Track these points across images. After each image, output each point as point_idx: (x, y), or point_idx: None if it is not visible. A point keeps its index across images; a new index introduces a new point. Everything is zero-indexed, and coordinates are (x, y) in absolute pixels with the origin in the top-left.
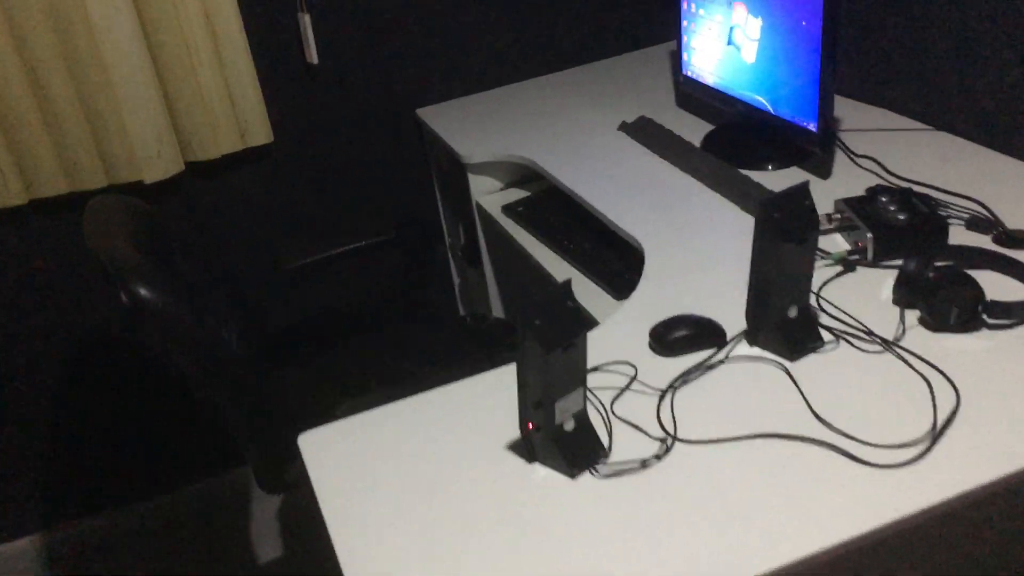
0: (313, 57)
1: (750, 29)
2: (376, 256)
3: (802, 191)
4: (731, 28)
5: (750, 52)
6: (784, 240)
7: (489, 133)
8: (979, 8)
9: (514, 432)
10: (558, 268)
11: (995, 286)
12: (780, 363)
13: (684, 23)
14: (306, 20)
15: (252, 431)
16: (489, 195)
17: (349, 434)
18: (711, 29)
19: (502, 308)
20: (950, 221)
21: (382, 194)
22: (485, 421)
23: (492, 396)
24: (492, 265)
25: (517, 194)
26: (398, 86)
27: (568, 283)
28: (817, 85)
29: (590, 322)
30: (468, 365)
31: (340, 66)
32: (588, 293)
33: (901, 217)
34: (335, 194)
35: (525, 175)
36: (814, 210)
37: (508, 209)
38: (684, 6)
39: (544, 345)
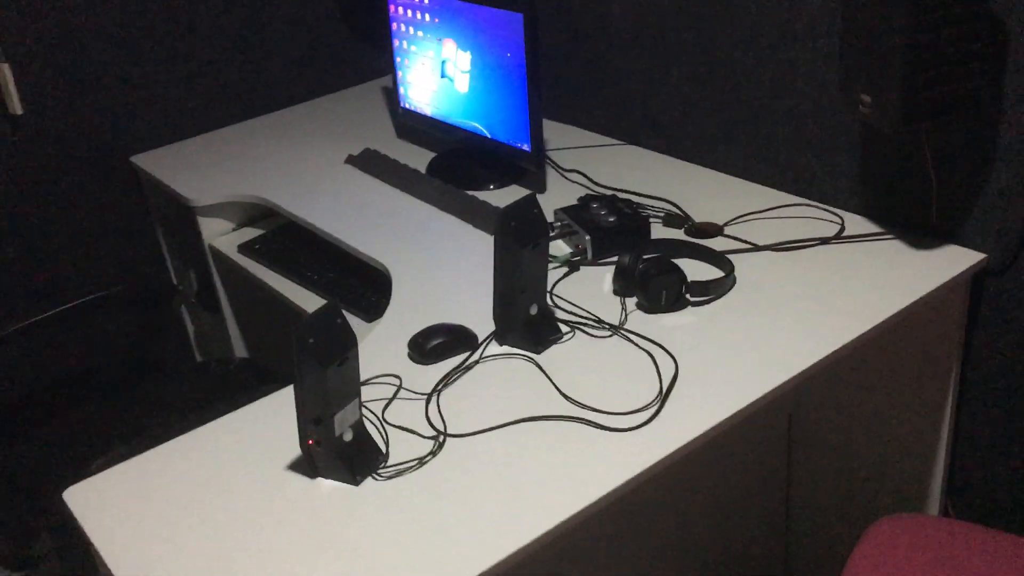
0: (16, 108)
1: (461, 62)
2: (102, 314)
3: (531, 202)
4: (443, 62)
5: (463, 83)
6: (522, 245)
7: (214, 174)
8: (654, 39)
9: (290, 454)
10: (305, 300)
11: (693, 270)
12: (528, 356)
13: (398, 59)
14: (5, 69)
15: None
16: (222, 236)
17: (117, 482)
18: (424, 64)
19: (245, 349)
20: (650, 220)
21: (102, 247)
22: (258, 449)
23: (259, 426)
24: (231, 307)
25: (251, 232)
26: (109, 133)
27: (336, 302)
28: (527, 110)
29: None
30: (220, 410)
31: (46, 116)
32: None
33: (611, 220)
34: (52, 252)
35: (256, 214)
36: (543, 216)
37: (245, 248)
38: (396, 43)
39: (320, 361)
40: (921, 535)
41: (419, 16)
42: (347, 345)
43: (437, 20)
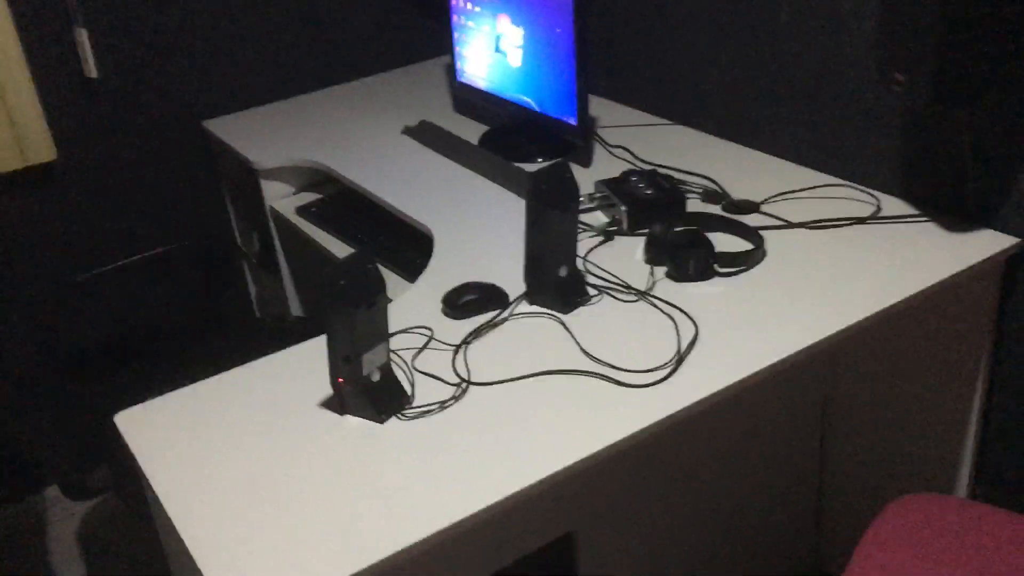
0: (92, 71)
1: (514, 37)
2: (170, 267)
3: (563, 166)
4: (497, 37)
5: (515, 58)
6: (551, 208)
7: (279, 141)
8: (704, 22)
9: (321, 394)
10: None
11: (726, 244)
12: (555, 316)
13: (456, 35)
14: (83, 34)
15: (55, 435)
16: (282, 199)
17: (165, 410)
18: (480, 39)
19: (301, 308)
20: (688, 195)
21: (171, 207)
22: (295, 387)
23: (298, 367)
24: (289, 267)
25: (310, 197)
26: (182, 98)
27: (368, 247)
28: (574, 85)
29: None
30: None
31: (122, 80)
32: (386, 279)
33: (649, 192)
34: (124, 208)
35: (316, 180)
36: (574, 182)
37: (303, 211)
38: (455, 19)
39: (350, 302)
40: (937, 514)
41: None
42: (376, 289)
43: None
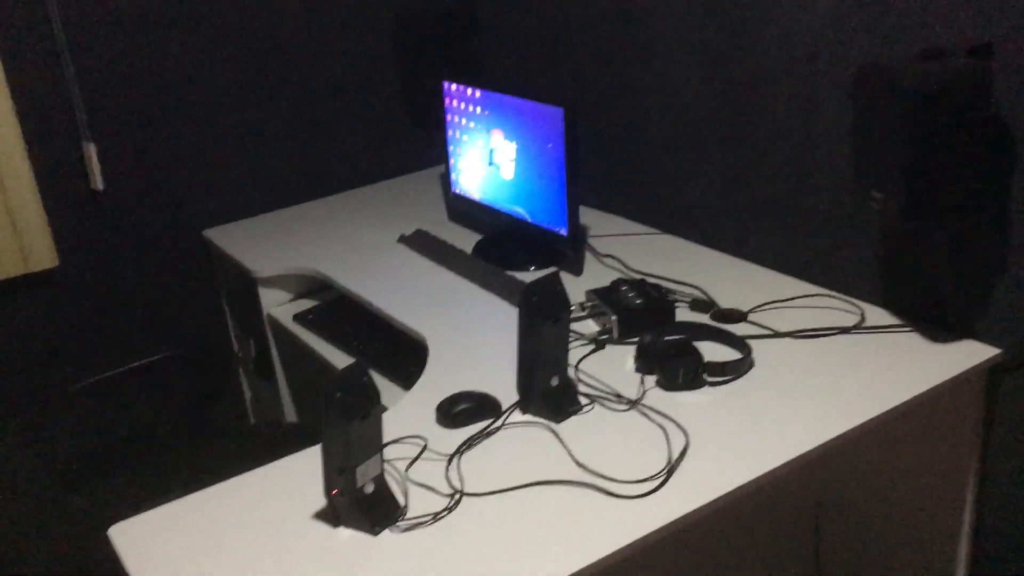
0: (98, 184)
1: (507, 151)
2: (166, 374)
3: (554, 278)
4: (491, 151)
5: (509, 170)
6: (543, 319)
7: (277, 249)
8: (688, 137)
9: (317, 505)
10: None
11: (714, 352)
12: (548, 425)
13: (451, 148)
14: (91, 149)
15: (45, 548)
16: (280, 306)
17: (159, 523)
18: (474, 152)
19: (296, 414)
20: (677, 303)
21: (170, 314)
22: (290, 498)
23: (293, 478)
24: (285, 373)
25: (307, 304)
26: (184, 208)
27: (363, 361)
28: (564, 197)
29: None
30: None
31: (125, 191)
32: (380, 387)
33: (638, 302)
34: (122, 315)
35: (313, 287)
36: (564, 293)
37: (299, 317)
38: (450, 133)
39: (345, 415)
40: None
41: (471, 108)
42: (371, 401)
43: (487, 112)
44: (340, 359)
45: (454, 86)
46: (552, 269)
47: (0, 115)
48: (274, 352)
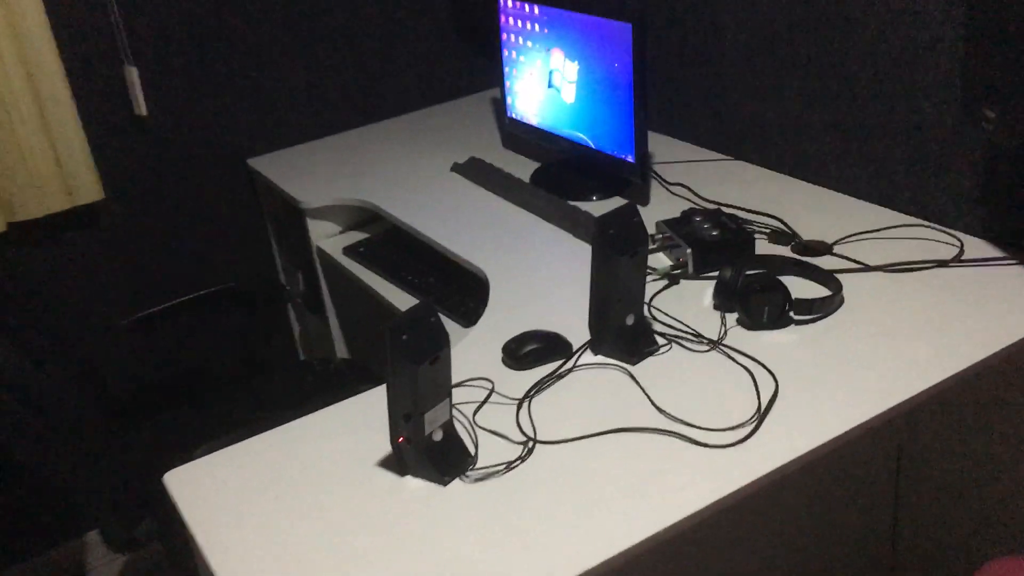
0: (142, 108)
1: (568, 72)
2: (215, 308)
3: (631, 210)
4: (550, 72)
5: (569, 93)
6: (619, 254)
7: (325, 179)
8: (765, 58)
9: (380, 452)
10: (404, 303)
11: (798, 288)
12: (622, 367)
13: (506, 69)
14: (133, 73)
15: (101, 485)
16: (329, 239)
17: (215, 469)
18: (532, 74)
19: (347, 350)
20: (755, 235)
21: (217, 247)
22: (351, 444)
23: (353, 422)
24: (335, 308)
25: (357, 236)
26: (228, 136)
27: (430, 301)
28: (632, 121)
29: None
30: (320, 408)
31: (168, 118)
32: None
33: (714, 234)
34: (170, 248)
35: (363, 218)
36: (643, 226)
37: (349, 250)
38: (505, 53)
39: (412, 359)
40: None
41: (529, 26)
42: (439, 344)
43: (546, 30)
44: (393, 294)
45: (511, 2)
46: (616, 198)
47: (38, 39)
48: (324, 286)
